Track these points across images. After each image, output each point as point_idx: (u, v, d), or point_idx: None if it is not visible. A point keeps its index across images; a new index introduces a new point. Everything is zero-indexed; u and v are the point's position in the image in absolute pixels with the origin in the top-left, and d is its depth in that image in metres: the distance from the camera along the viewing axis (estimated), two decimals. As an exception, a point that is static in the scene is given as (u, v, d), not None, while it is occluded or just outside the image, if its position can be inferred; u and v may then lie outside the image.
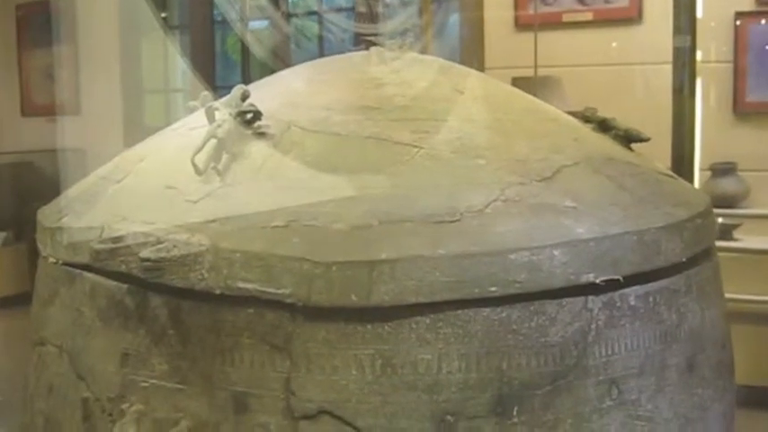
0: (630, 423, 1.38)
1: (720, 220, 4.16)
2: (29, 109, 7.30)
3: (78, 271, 1.51)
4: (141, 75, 5.93)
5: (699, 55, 3.62)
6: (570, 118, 1.80)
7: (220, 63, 6.33)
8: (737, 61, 4.64)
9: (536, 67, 4.45)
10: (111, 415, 1.42)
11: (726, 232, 4.37)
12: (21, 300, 6.51)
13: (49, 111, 6.90)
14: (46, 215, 1.68)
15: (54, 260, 1.58)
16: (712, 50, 4.68)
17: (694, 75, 3.51)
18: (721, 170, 4.61)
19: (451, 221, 1.34)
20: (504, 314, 1.30)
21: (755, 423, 4.21)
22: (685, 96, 3.51)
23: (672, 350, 1.45)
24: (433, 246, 1.29)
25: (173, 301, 1.35)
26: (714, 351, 1.56)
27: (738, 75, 4.73)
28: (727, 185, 4.68)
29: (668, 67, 3.50)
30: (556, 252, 1.32)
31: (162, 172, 1.56)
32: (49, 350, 1.59)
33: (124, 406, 1.40)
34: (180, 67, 5.59)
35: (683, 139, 3.50)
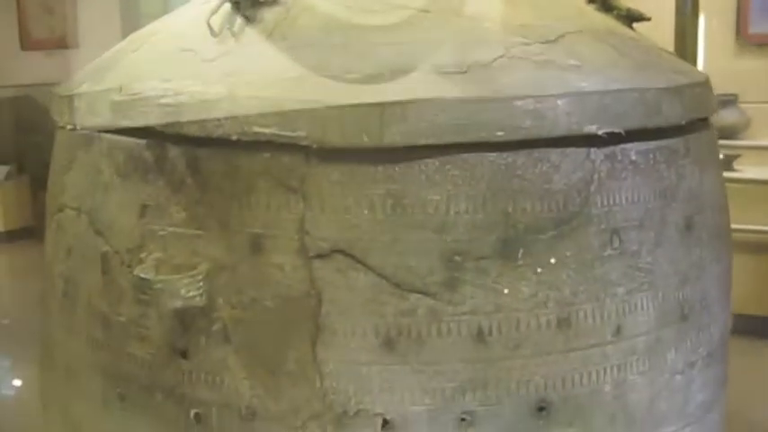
0: (631, 273, 1.44)
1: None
2: (28, 43, 7.30)
3: (96, 133, 1.56)
4: (140, 5, 5.92)
5: (702, -16, 3.62)
6: (573, -5, 1.83)
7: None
8: (741, -8, 4.66)
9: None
10: (129, 266, 1.47)
11: (726, 163, 4.41)
12: (25, 234, 6.59)
13: (49, 44, 6.92)
14: (62, 88, 1.73)
15: (71, 126, 1.63)
16: (716, -20, 4.69)
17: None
18: (722, 101, 4.64)
19: (460, 72, 1.38)
20: (509, 159, 1.34)
21: (756, 352, 4.27)
22: (688, 17, 3.51)
23: (671, 207, 1.50)
24: (442, 91, 1.33)
25: (190, 151, 1.40)
26: (712, 215, 1.61)
27: (741, 6, 4.74)
28: (727, 116, 4.71)
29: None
30: (560, 102, 1.36)
31: (177, 38, 1.60)
32: (67, 215, 1.64)
33: (143, 255, 1.45)
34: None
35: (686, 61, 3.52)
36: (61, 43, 6.88)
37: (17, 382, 4.06)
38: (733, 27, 4.82)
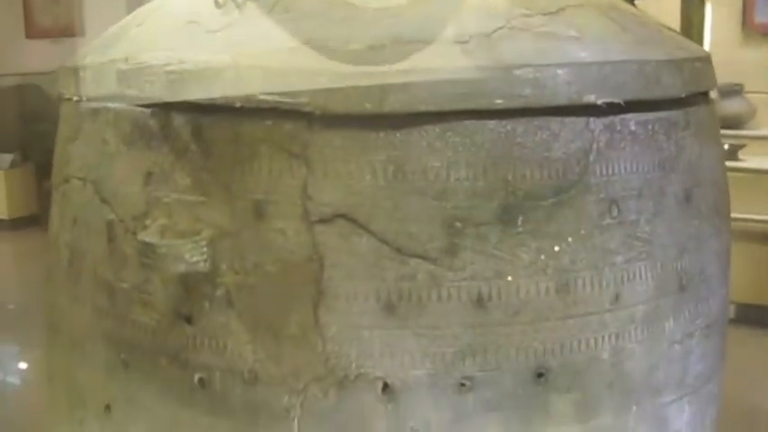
0: (630, 242, 1.45)
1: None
2: (33, 31, 7.33)
3: (102, 104, 1.58)
4: (146, -7, 5.94)
5: (709, -27, 3.62)
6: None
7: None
8: (747, -20, 4.66)
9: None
10: (134, 233, 1.49)
11: (731, 153, 4.42)
12: (30, 221, 6.63)
13: (54, 32, 6.94)
14: (68, 62, 1.75)
15: (78, 98, 1.65)
16: (722, -31, 4.69)
17: (704, -15, 3.51)
18: (728, 91, 4.65)
19: (461, 42, 1.40)
20: (509, 127, 1.36)
21: (758, 341, 4.29)
22: (695, 6, 3.51)
23: (670, 179, 1.51)
24: (443, 60, 1.35)
25: (195, 118, 1.42)
26: (711, 189, 1.62)
27: (748, -5, 4.75)
28: (733, 106, 4.72)
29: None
30: (560, 71, 1.38)
31: (182, 11, 1.62)
32: (73, 185, 1.66)
33: (148, 222, 1.47)
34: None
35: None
36: (66, 31, 6.92)
37: (23, 365, 4.10)
38: (739, 16, 4.83)
